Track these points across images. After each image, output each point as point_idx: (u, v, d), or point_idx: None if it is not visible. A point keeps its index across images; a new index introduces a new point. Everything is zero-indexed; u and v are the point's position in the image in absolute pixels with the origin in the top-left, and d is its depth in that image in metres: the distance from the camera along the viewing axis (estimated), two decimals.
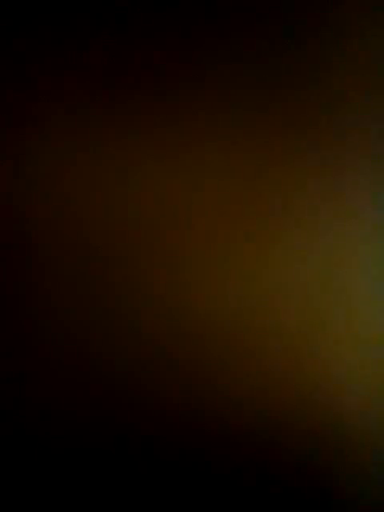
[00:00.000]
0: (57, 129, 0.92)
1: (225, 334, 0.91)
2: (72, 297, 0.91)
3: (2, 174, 0.92)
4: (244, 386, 0.91)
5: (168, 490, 0.91)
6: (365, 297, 0.91)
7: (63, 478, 0.91)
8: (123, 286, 0.91)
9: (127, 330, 0.91)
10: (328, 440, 0.91)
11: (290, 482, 0.91)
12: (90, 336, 0.91)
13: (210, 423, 0.91)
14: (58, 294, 0.91)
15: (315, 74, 0.93)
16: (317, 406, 0.91)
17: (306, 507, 0.91)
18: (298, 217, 0.92)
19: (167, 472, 0.91)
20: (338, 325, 0.91)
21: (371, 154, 0.92)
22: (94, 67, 0.92)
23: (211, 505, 0.91)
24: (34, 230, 0.91)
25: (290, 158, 0.92)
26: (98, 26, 0.93)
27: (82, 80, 0.92)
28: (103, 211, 0.92)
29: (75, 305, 0.91)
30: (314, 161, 0.92)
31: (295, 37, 0.93)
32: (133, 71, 0.92)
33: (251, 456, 0.91)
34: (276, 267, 0.92)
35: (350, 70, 0.93)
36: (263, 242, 0.92)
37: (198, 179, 0.92)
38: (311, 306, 0.91)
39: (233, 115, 0.93)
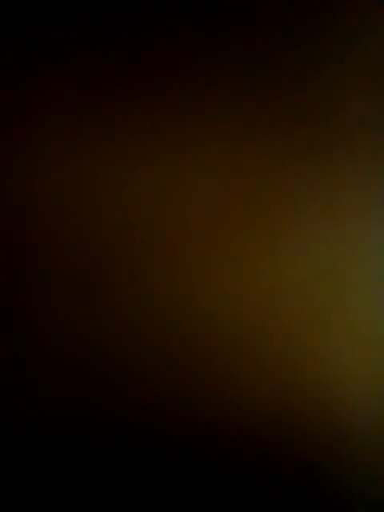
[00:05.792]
0: (57, 129, 0.92)
1: (225, 333, 0.91)
2: (72, 296, 0.91)
3: (2, 173, 0.92)
4: (244, 386, 0.91)
5: (167, 489, 0.91)
6: (365, 296, 0.91)
7: (62, 478, 0.91)
8: (123, 285, 0.91)
9: (127, 330, 0.91)
10: (328, 439, 0.91)
11: (290, 482, 0.91)
12: (90, 335, 0.91)
13: (209, 422, 0.91)
14: (58, 294, 0.91)
15: (316, 74, 0.93)
16: (317, 405, 0.91)
17: (307, 507, 0.91)
18: (298, 217, 0.92)
19: (167, 472, 0.91)
20: (338, 324, 0.91)
21: (372, 153, 0.92)
22: (94, 67, 0.92)
23: (211, 505, 0.91)
24: (34, 230, 0.91)
25: (291, 158, 0.92)
26: (97, 25, 0.93)
27: (82, 80, 0.92)
28: (103, 211, 0.92)
29: (75, 304, 0.91)
30: (314, 161, 0.92)
31: (295, 37, 0.93)
32: (132, 71, 0.92)
33: (251, 455, 0.91)
34: (276, 267, 0.92)
35: (352, 70, 0.93)
36: (263, 241, 0.92)
37: (198, 179, 0.92)
38: (311, 305, 0.91)
39: (233, 115, 0.93)
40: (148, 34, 0.92)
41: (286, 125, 0.92)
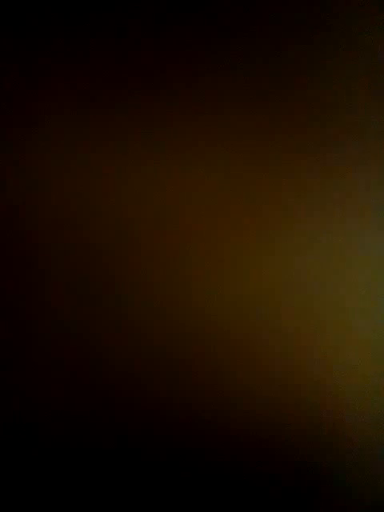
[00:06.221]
0: (57, 129, 0.92)
1: (224, 333, 0.91)
2: (72, 296, 0.91)
3: (2, 173, 0.92)
4: (243, 386, 0.91)
5: (167, 489, 0.91)
6: (364, 296, 0.91)
7: (62, 478, 0.91)
8: (123, 285, 0.91)
9: (127, 330, 0.91)
10: (327, 439, 0.91)
11: (290, 482, 0.91)
12: (90, 336, 0.91)
13: (209, 422, 0.91)
14: (58, 294, 0.91)
15: (315, 74, 0.92)
16: (316, 405, 0.91)
17: (306, 507, 0.91)
18: (298, 217, 0.92)
19: (167, 472, 0.91)
20: (337, 325, 0.91)
21: (371, 153, 0.92)
22: (94, 67, 0.93)
23: (211, 505, 0.91)
24: (34, 230, 0.91)
25: (290, 158, 0.92)
26: (98, 26, 0.93)
27: (82, 80, 0.92)
28: (103, 211, 0.92)
29: (75, 304, 0.91)
30: (313, 160, 0.92)
31: (295, 37, 0.92)
32: (132, 71, 0.92)
33: (250, 455, 0.91)
34: (275, 267, 0.92)
35: (351, 69, 0.93)
36: (263, 241, 0.92)
37: (198, 178, 0.92)
38: (311, 305, 0.91)
39: (233, 115, 0.93)
40: (148, 33, 0.92)
41: (286, 124, 0.92)
